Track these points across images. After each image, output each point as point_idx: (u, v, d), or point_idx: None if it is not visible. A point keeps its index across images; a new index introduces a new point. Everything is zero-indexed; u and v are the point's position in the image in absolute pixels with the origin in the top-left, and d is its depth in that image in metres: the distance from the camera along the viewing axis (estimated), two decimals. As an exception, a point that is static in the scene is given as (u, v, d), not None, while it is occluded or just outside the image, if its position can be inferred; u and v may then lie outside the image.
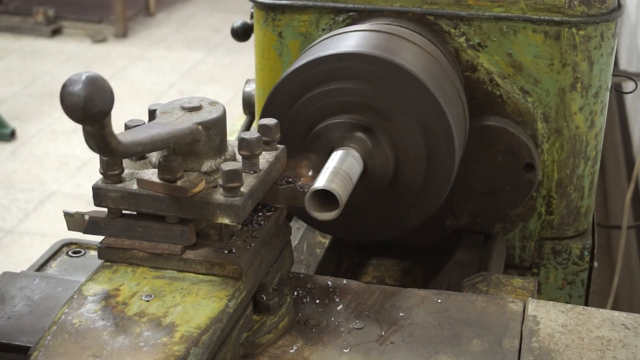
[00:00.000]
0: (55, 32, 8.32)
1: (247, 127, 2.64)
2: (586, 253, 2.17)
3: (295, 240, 2.14)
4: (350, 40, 1.85)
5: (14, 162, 5.87)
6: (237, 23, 2.46)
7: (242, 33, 2.45)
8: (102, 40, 8.26)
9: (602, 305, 3.20)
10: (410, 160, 1.77)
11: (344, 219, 1.60)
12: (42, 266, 1.85)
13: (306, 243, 2.13)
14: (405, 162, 1.78)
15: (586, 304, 2.23)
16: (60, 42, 8.21)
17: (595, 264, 2.20)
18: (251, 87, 2.65)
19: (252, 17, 2.30)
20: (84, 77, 1.16)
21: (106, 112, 1.19)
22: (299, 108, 1.80)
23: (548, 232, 2.16)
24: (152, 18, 9.03)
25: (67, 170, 5.74)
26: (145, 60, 7.83)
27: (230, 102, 6.89)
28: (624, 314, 1.57)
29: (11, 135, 6.16)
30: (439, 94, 1.75)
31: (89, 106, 1.16)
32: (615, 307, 3.66)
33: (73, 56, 7.84)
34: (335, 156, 1.67)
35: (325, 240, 2.14)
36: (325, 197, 1.55)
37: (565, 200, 2.13)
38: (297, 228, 2.17)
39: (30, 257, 4.34)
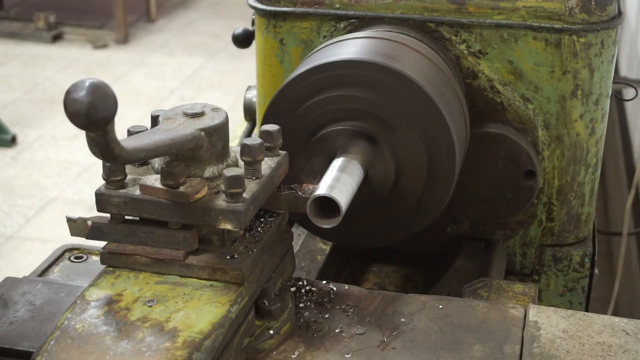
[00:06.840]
0: (56, 38, 8.33)
1: (249, 133, 2.65)
2: (587, 260, 2.17)
3: (296, 246, 2.14)
4: (352, 47, 1.86)
5: (15, 167, 5.88)
6: (239, 30, 2.47)
7: (243, 40, 2.46)
8: (103, 46, 8.27)
9: (602, 312, 3.20)
10: (411, 168, 1.78)
11: (345, 225, 1.60)
12: (44, 271, 1.86)
13: (307, 249, 2.13)
14: (406, 169, 1.78)
15: (586, 311, 2.24)
16: (61, 48, 8.22)
17: (596, 270, 2.21)
18: (252, 94, 2.66)
19: (253, 23, 2.31)
20: (87, 84, 1.18)
21: (109, 119, 1.20)
22: (301, 115, 1.81)
23: (549, 239, 2.17)
24: (153, 24, 9.04)
25: (68, 176, 5.75)
26: (146, 66, 7.83)
27: (231, 108, 6.90)
28: (625, 320, 1.57)
29: (12, 141, 6.16)
30: (441, 102, 1.75)
31: (92, 112, 1.17)
32: (615, 314, 3.65)
33: (74, 62, 7.85)
34: (337, 163, 1.68)
35: (326, 247, 2.14)
36: (327, 205, 1.55)
37: (566, 207, 2.13)
38: (298, 235, 2.18)
39: (30, 262, 4.34)
